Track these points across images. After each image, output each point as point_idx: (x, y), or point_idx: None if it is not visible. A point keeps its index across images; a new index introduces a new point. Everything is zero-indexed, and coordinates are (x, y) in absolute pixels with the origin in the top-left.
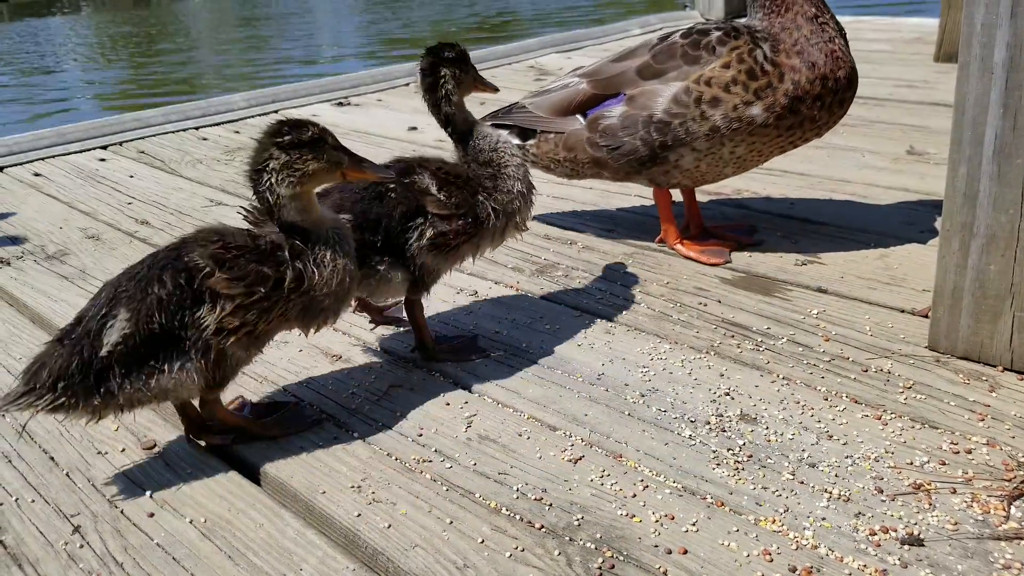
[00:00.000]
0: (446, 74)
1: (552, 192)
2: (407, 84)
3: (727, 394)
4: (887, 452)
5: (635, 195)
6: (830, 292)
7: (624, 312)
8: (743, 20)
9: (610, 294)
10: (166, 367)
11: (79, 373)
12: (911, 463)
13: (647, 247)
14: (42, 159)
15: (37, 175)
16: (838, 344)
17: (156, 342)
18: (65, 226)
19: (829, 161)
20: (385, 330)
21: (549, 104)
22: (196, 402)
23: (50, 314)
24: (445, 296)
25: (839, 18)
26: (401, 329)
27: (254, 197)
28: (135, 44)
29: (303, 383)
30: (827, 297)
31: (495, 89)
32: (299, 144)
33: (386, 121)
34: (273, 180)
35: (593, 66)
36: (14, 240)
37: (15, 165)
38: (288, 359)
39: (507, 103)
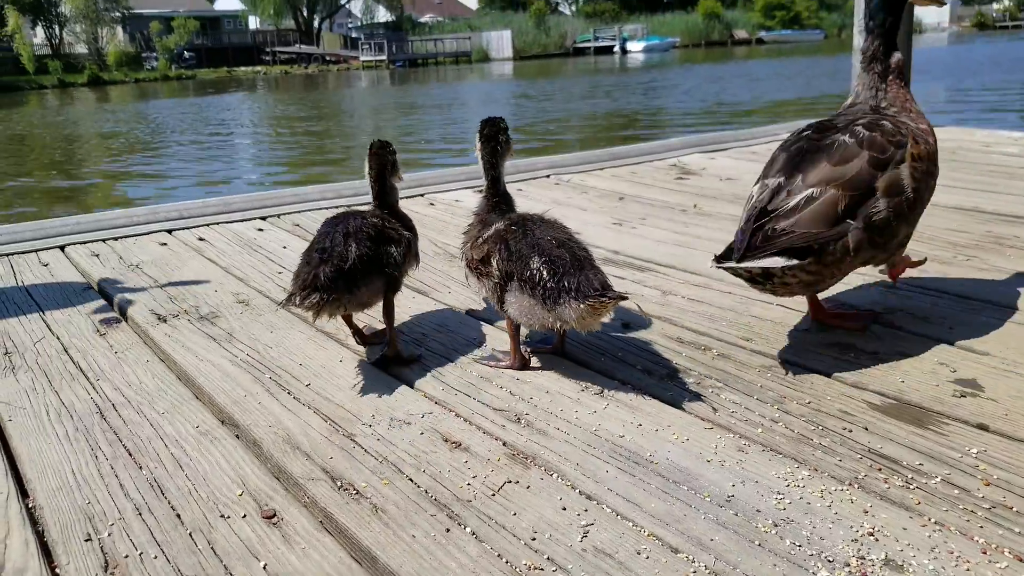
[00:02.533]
0: (502, 140)
1: (688, 294)
2: (547, 176)
3: (871, 534)
4: None
5: (777, 304)
6: (992, 430)
7: (759, 430)
8: (862, 95)
9: (745, 408)
10: (373, 278)
11: (337, 277)
12: None
13: (788, 361)
14: (207, 225)
15: (201, 239)
16: (1000, 490)
17: (368, 263)
18: (220, 289)
19: (996, 287)
20: (504, 419)
21: (813, 219)
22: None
23: (195, 372)
24: (571, 392)
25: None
26: (518, 421)
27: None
28: (300, 123)
29: (421, 469)
30: (989, 435)
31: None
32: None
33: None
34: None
35: (810, 175)
36: (173, 298)
37: (183, 229)
38: (409, 441)
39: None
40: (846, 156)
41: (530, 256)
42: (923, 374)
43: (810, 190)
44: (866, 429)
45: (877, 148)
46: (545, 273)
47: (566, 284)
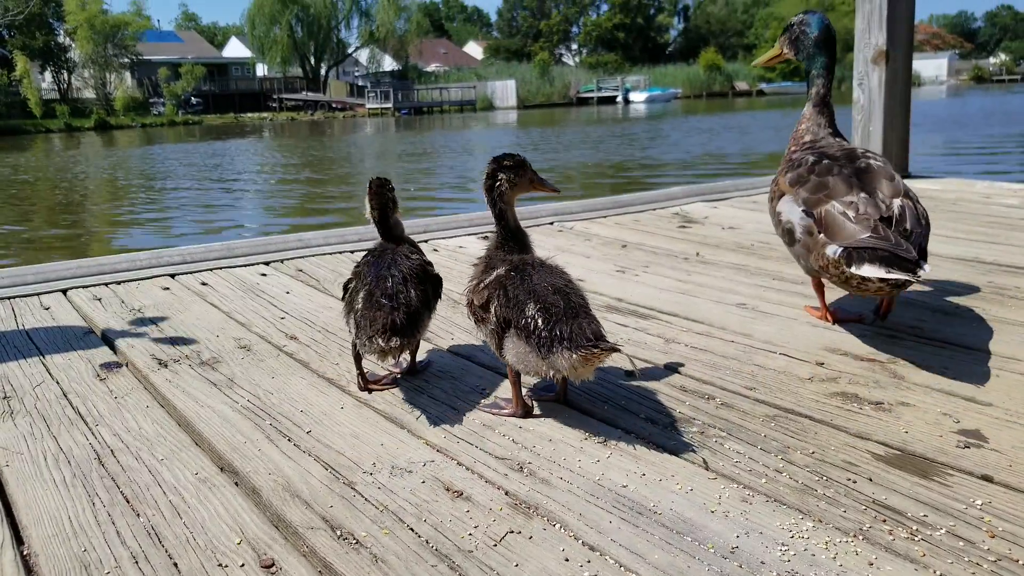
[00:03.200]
0: (502, 178)
1: (691, 342)
2: (551, 223)
3: None
4: None
5: (780, 353)
6: (997, 481)
7: (764, 480)
8: (821, 132)
9: (749, 458)
10: (426, 315)
11: (408, 320)
12: None
13: (791, 411)
14: (210, 270)
15: (204, 284)
16: (1006, 543)
17: (423, 304)
18: (221, 334)
19: (997, 337)
20: (506, 468)
21: (916, 219)
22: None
23: (195, 418)
24: (574, 441)
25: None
26: (521, 470)
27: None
28: (305, 168)
29: (422, 519)
30: (993, 487)
31: (555, 190)
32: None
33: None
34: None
35: (885, 191)
36: (174, 343)
37: (186, 273)
38: (410, 490)
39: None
40: (890, 174)
41: (526, 303)
42: (927, 425)
43: (895, 201)
44: (870, 480)
45: (891, 167)
46: (540, 321)
47: (559, 332)
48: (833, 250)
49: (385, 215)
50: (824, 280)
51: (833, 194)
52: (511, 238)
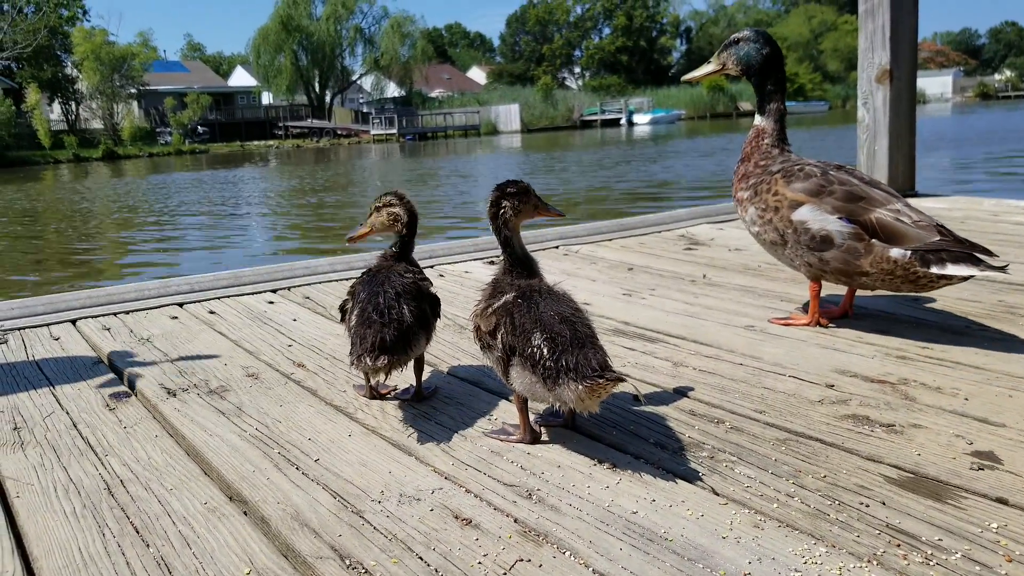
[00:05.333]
0: (506, 205)
1: (699, 365)
2: (556, 247)
3: None
4: None
5: (789, 376)
6: (1012, 504)
7: (775, 505)
8: (789, 161)
9: (760, 483)
10: (420, 334)
11: (399, 337)
12: None
13: (802, 434)
14: (218, 298)
15: (212, 312)
16: (1022, 567)
17: (418, 321)
18: (229, 363)
19: (1009, 356)
20: (515, 495)
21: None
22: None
23: (204, 447)
24: (583, 467)
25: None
26: (529, 497)
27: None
28: (311, 194)
29: (431, 547)
30: (1009, 509)
31: (560, 214)
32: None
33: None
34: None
35: (900, 202)
36: (183, 372)
37: (194, 302)
38: (418, 518)
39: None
40: (887, 187)
41: (532, 331)
42: (939, 447)
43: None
44: (883, 504)
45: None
46: (545, 351)
47: (564, 363)
48: (900, 253)
49: (414, 228)
50: (842, 282)
51: (873, 203)
52: (518, 264)
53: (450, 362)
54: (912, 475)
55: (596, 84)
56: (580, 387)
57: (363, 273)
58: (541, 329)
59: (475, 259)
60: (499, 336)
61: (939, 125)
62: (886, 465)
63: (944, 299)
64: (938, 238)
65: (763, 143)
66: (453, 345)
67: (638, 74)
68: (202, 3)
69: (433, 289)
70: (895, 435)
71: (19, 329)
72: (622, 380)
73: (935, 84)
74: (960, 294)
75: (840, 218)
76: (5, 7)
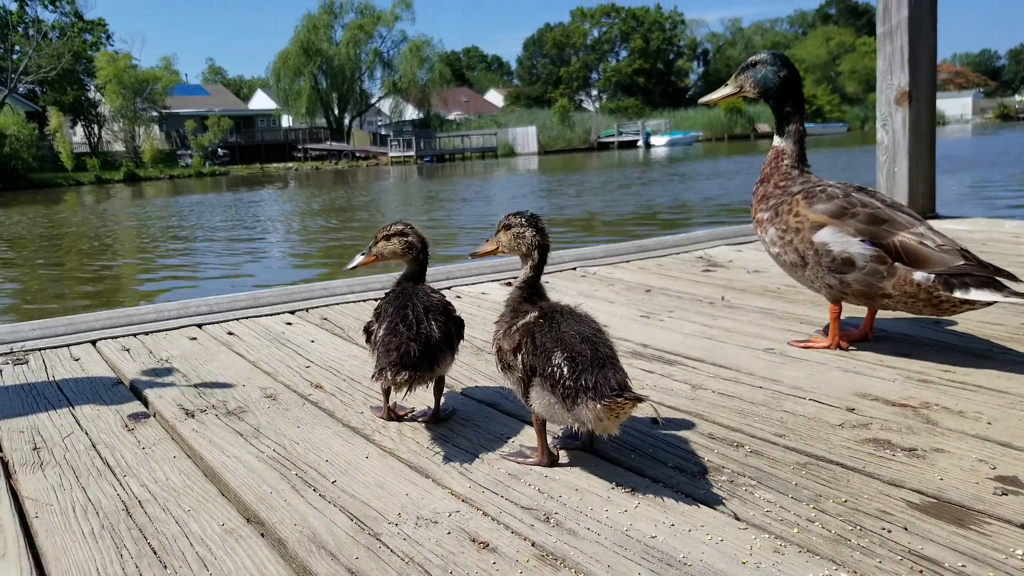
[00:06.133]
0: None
1: (718, 388)
2: (574, 268)
3: None
4: None
5: (809, 399)
6: None
7: (795, 530)
8: (807, 182)
9: (780, 507)
10: (446, 353)
11: (425, 352)
12: None
13: (823, 458)
14: (237, 319)
15: (230, 334)
16: None
17: (444, 339)
18: (247, 384)
19: None
20: (532, 518)
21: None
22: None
23: (221, 469)
24: (601, 490)
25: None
26: (547, 520)
27: None
28: (330, 215)
29: (448, 571)
30: None
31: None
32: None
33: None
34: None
35: (923, 225)
36: (201, 393)
37: (213, 323)
38: (435, 541)
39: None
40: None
41: (553, 351)
42: (962, 471)
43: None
44: (906, 529)
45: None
46: (565, 370)
47: (584, 383)
48: (924, 276)
49: (427, 253)
50: (863, 303)
51: (896, 226)
52: (536, 291)
53: (467, 384)
54: (935, 500)
55: (613, 106)
56: (599, 406)
57: (387, 294)
58: (562, 349)
59: (493, 280)
60: (520, 356)
61: (959, 147)
62: (908, 490)
63: (966, 322)
64: (962, 262)
65: (783, 164)
66: (470, 367)
67: (655, 96)
68: (224, 28)
69: (456, 312)
70: (917, 459)
71: (40, 350)
72: (641, 400)
73: (955, 106)
74: (982, 317)
75: (863, 240)
76: (31, 32)
